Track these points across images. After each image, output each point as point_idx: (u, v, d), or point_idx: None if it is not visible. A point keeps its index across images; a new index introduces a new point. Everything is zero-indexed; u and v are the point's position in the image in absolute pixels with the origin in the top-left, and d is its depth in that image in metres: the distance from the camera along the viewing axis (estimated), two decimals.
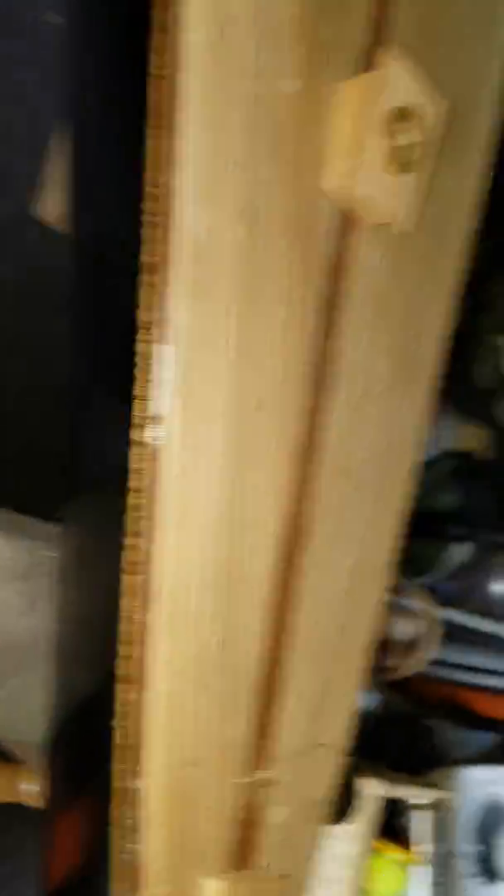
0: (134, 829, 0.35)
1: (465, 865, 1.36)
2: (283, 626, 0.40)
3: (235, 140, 0.40)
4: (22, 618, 0.47)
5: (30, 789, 0.82)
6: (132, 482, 0.37)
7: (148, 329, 0.37)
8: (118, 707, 0.35)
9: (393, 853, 1.17)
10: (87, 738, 0.42)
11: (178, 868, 0.36)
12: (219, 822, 0.37)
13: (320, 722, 0.42)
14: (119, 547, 0.41)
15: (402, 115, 0.43)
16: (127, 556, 0.37)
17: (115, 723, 0.35)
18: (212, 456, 0.37)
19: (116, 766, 0.36)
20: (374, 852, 1.15)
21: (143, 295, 0.38)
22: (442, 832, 1.33)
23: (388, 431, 0.45)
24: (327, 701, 0.42)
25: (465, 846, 1.37)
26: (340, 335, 0.44)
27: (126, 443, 0.43)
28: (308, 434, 0.41)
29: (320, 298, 0.43)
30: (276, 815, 0.40)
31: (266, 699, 0.40)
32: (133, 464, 0.37)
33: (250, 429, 0.39)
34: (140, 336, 0.37)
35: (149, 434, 0.36)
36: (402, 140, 0.44)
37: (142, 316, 0.38)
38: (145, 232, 0.39)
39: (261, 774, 0.39)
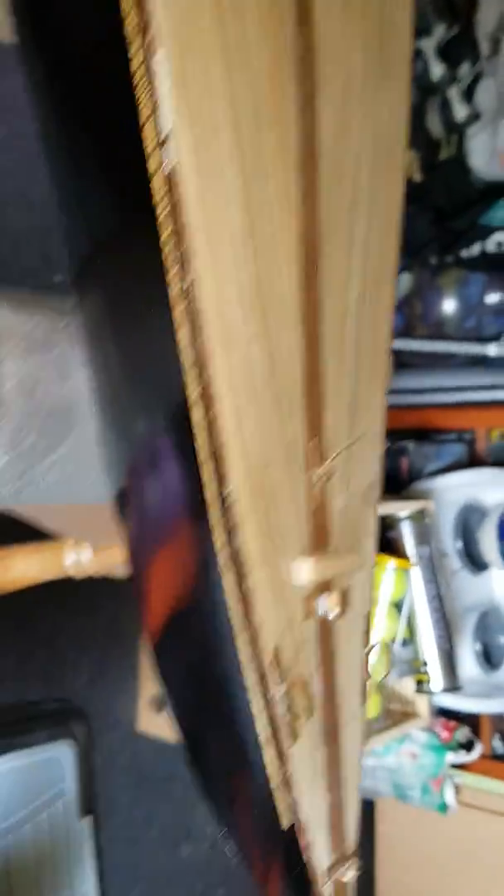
0: (230, 529, 0.39)
1: (452, 562, 1.51)
2: (315, 334, 0.43)
3: None
4: (55, 386, 0.49)
5: (78, 559, 0.87)
6: (158, 212, 0.38)
7: (137, 41, 0.36)
8: (197, 425, 0.39)
9: (392, 562, 1.28)
10: (160, 484, 0.45)
11: (271, 555, 0.41)
12: (297, 513, 0.42)
13: (358, 415, 0.46)
14: (148, 294, 0.42)
15: None
16: (171, 291, 0.38)
17: (197, 442, 0.39)
18: (225, 174, 0.38)
19: (205, 477, 0.40)
20: (376, 564, 1.26)
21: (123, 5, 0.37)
22: (429, 537, 1.45)
23: (373, 128, 0.46)
24: (361, 396, 0.46)
25: (451, 545, 1.51)
26: (315, 25, 0.43)
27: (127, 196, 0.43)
28: (304, 141, 0.42)
29: None
30: (338, 502, 0.45)
31: (311, 402, 0.43)
32: (155, 194, 0.38)
33: (254, 141, 0.39)
34: (133, 53, 0.36)
35: (162, 157, 0.37)
36: None
37: (128, 28, 0.36)
38: None
39: (319, 469, 0.43)
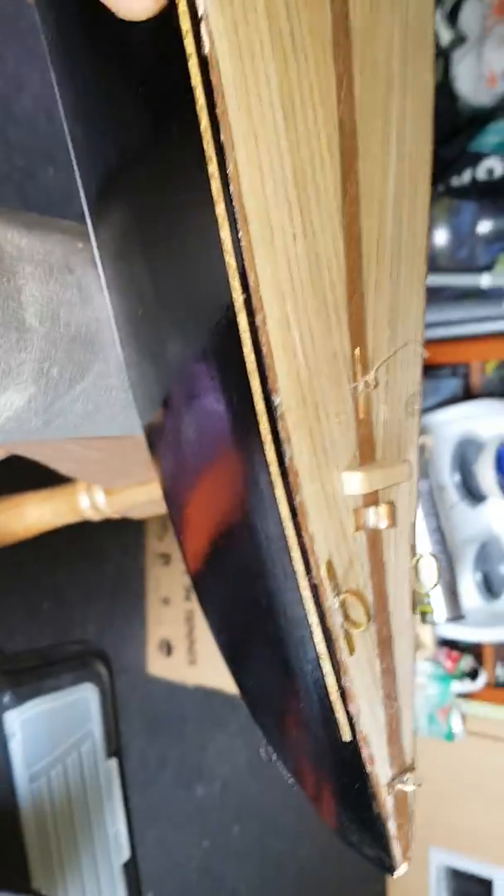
0: (280, 441, 0.39)
1: (451, 495, 1.52)
2: (355, 232, 0.42)
3: None
4: (78, 310, 0.48)
5: (94, 501, 0.87)
6: (197, 102, 0.36)
7: None
8: (242, 333, 0.37)
9: None
10: (197, 399, 0.43)
11: (322, 467, 0.41)
12: (346, 423, 0.41)
13: (400, 322, 0.45)
14: (182, 202, 0.41)
15: None
16: (210, 188, 0.37)
17: (245, 349, 0.38)
18: (262, 56, 0.37)
19: (253, 388, 0.39)
20: None
21: None
22: (427, 471, 1.45)
23: (402, 12, 0.44)
24: (401, 300, 0.45)
25: (449, 479, 1.51)
26: None
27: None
28: (336, 22, 0.40)
29: None
30: (382, 413, 0.44)
31: (354, 307, 0.42)
32: (192, 81, 0.36)
33: (288, 22, 0.38)
34: None
35: (196, 40, 0.35)
36: None
37: None
38: None
39: (364, 378, 0.42)
